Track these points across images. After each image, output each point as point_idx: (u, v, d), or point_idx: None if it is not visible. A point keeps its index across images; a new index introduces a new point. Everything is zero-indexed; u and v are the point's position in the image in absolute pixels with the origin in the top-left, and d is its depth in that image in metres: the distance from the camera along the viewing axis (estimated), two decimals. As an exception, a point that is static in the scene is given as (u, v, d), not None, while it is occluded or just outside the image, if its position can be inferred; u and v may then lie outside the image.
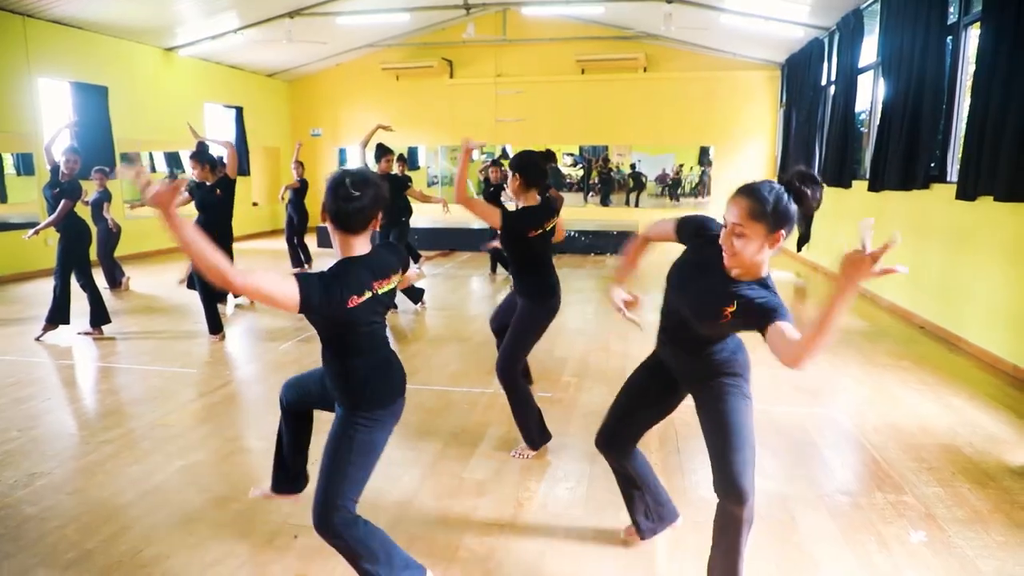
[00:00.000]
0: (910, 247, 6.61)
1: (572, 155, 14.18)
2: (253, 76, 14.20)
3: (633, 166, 13.82)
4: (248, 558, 2.55)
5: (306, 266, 9.53)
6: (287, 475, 2.60)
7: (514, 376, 3.39)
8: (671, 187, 13.74)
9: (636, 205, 13.92)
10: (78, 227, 5.94)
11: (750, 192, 1.83)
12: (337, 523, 2.01)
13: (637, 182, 13.87)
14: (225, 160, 5.85)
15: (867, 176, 7.52)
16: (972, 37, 5.92)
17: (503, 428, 3.84)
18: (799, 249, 10.18)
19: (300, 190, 9.78)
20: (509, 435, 3.75)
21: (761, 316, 1.80)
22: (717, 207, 13.41)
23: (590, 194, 14.20)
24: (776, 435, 3.75)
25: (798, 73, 10.70)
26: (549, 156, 5.06)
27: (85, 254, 6.02)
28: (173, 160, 12.17)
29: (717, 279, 1.95)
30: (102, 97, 10.35)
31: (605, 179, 14.02)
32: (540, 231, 3.30)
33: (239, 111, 13.74)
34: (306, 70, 14.86)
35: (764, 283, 1.91)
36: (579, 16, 12.65)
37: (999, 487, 3.13)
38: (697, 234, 2.08)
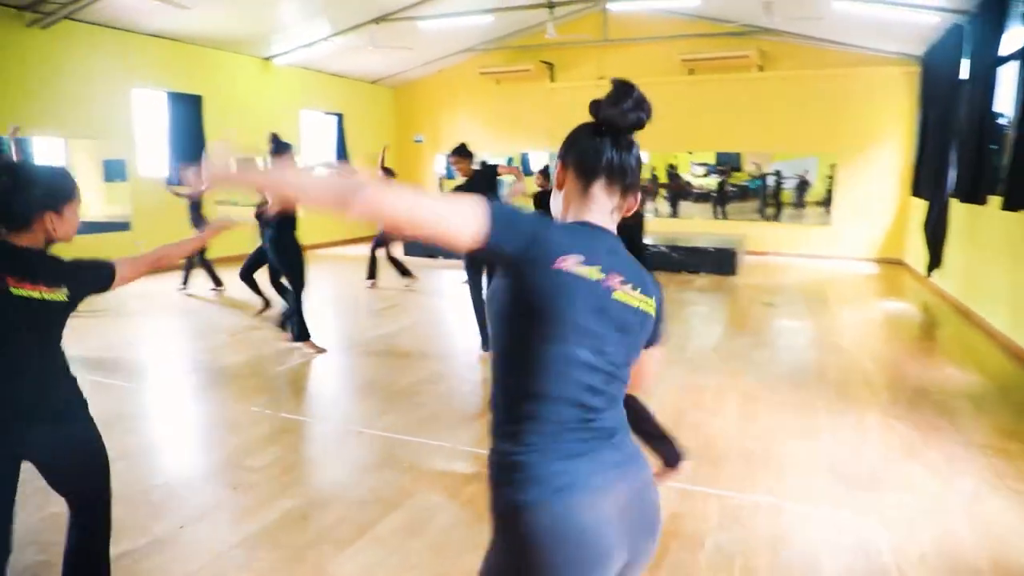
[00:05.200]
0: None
1: (705, 164, 12.90)
2: (356, 83, 14.28)
3: (777, 174, 12.32)
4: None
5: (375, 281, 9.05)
6: None
7: None
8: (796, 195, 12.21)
9: (777, 218, 12.37)
10: None
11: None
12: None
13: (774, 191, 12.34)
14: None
15: (1004, 191, 6.00)
16: None
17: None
18: (929, 273, 8.57)
19: None
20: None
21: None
22: (841, 222, 11.77)
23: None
24: (768, 554, 2.75)
25: (935, 68, 9.02)
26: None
27: None
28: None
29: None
30: (195, 106, 10.65)
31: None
32: None
33: (339, 118, 13.85)
34: (409, 76, 14.76)
35: None
36: (682, 11, 11.53)
37: None
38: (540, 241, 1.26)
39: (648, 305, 1.34)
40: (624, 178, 1.37)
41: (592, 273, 1.26)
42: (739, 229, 12.26)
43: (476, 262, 5.61)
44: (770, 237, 12.28)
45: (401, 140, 15.44)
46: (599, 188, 1.36)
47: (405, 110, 15.46)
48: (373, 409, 4.50)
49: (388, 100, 15.36)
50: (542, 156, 14.24)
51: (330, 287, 8.87)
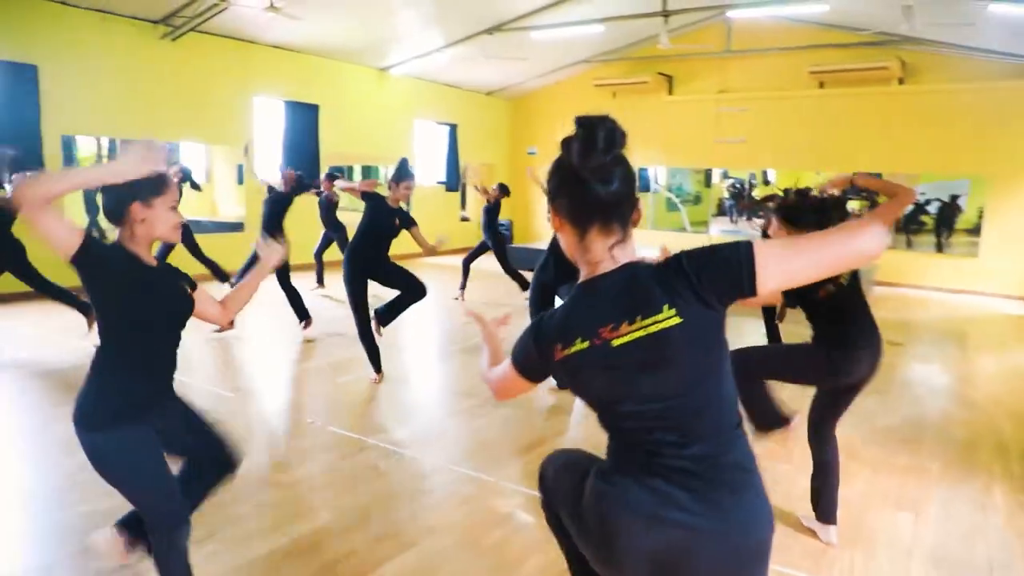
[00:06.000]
0: None
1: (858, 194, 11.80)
2: (471, 94, 14.35)
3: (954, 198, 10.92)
4: None
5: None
6: None
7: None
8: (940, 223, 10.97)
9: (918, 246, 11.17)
10: None
11: None
12: None
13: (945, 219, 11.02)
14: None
15: None
16: None
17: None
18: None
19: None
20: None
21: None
22: (991, 253, 10.42)
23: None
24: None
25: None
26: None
27: None
28: (372, 173, 12.66)
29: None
30: (312, 114, 11.01)
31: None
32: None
33: (452, 128, 13.96)
34: (525, 88, 14.68)
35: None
36: (810, 18, 10.67)
37: None
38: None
39: (661, 321, 1.27)
40: (619, 212, 1.35)
41: (578, 346, 1.34)
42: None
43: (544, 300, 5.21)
44: (907, 267, 11.02)
45: (515, 152, 15.40)
46: (594, 235, 1.35)
47: (520, 121, 15.39)
48: (423, 430, 4.29)
49: (503, 111, 15.34)
50: (660, 171, 13.75)
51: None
